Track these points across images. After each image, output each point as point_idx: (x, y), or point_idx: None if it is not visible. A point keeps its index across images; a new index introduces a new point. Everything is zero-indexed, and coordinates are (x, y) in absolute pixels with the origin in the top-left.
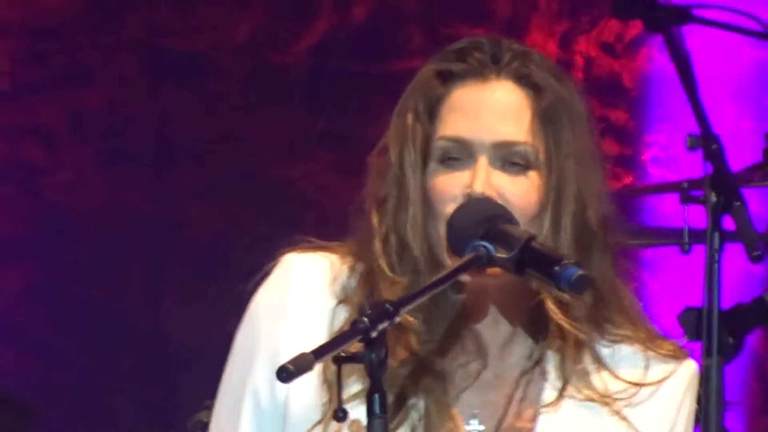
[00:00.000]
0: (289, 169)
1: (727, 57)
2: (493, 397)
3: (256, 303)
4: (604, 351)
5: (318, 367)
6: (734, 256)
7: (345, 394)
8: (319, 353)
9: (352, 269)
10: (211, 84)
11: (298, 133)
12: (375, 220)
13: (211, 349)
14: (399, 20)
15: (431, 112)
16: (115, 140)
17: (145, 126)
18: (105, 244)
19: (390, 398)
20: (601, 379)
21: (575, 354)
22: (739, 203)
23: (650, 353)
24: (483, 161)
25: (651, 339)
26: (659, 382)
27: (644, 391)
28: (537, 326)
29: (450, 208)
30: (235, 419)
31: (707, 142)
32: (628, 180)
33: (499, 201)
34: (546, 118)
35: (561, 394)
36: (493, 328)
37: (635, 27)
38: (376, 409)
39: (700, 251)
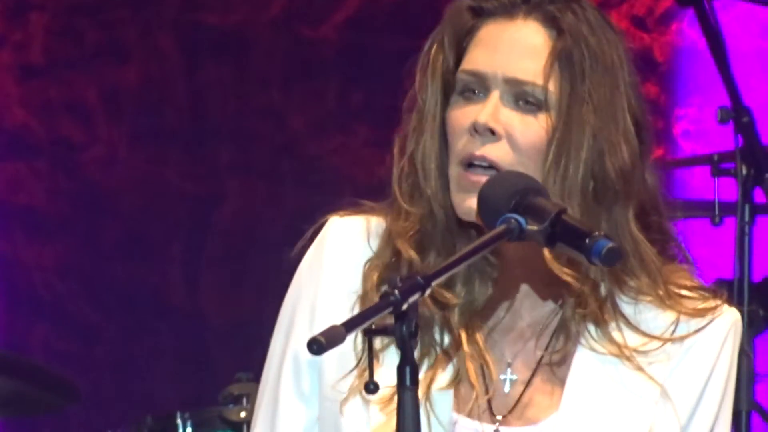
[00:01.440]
0: (324, 143)
1: (758, 30)
2: (525, 349)
3: (301, 263)
4: (627, 308)
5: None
6: (765, 229)
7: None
8: (350, 325)
9: (384, 223)
10: (246, 60)
11: (332, 108)
12: (396, 149)
13: (249, 325)
14: None
15: (458, 45)
16: (151, 117)
17: (180, 102)
18: (141, 221)
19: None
20: (624, 335)
21: (600, 309)
22: None
23: (678, 309)
24: (495, 95)
25: (675, 296)
26: (686, 337)
27: (672, 347)
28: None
29: (461, 142)
30: (277, 376)
31: (738, 115)
32: (659, 153)
33: (504, 136)
34: (564, 61)
35: (590, 348)
36: (526, 282)
37: (666, 1)
38: (407, 381)
39: (730, 224)
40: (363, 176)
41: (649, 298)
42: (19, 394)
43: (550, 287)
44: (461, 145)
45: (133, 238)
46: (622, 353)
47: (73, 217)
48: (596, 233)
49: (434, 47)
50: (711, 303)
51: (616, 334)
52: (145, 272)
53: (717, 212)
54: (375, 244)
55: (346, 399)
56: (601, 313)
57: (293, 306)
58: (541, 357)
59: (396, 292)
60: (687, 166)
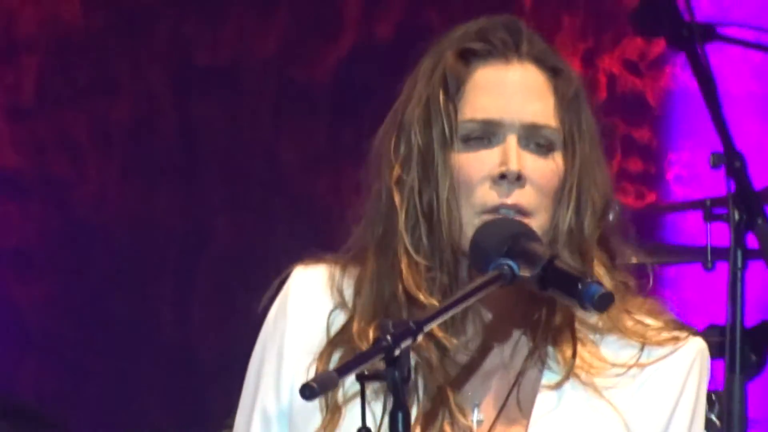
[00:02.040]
0: (314, 182)
1: (751, 75)
2: (493, 387)
3: (267, 319)
4: (591, 337)
5: (312, 373)
6: (757, 274)
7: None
8: (342, 371)
9: (348, 274)
10: (237, 98)
11: (323, 147)
12: (397, 199)
13: (240, 361)
14: (424, 35)
15: (454, 91)
16: (141, 153)
17: (170, 139)
18: (131, 257)
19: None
20: (589, 362)
21: (570, 341)
22: (762, 221)
23: (641, 339)
24: (513, 140)
25: (639, 327)
26: (648, 364)
27: (636, 376)
28: (534, 315)
29: (482, 190)
30: (247, 428)
31: (730, 160)
32: (651, 198)
33: (528, 181)
34: (567, 101)
35: (558, 383)
36: (496, 319)
37: (659, 45)
38: (399, 427)
39: (723, 269)
40: (354, 214)
41: (612, 330)
42: None
43: (516, 323)
44: (482, 192)
45: (123, 275)
46: (586, 380)
47: (63, 254)
48: (588, 279)
49: (435, 95)
50: (676, 333)
51: (579, 362)
52: (136, 309)
53: (709, 257)
54: (337, 292)
55: None
56: (564, 341)
57: (260, 359)
58: (508, 394)
59: (388, 337)
60: (679, 211)
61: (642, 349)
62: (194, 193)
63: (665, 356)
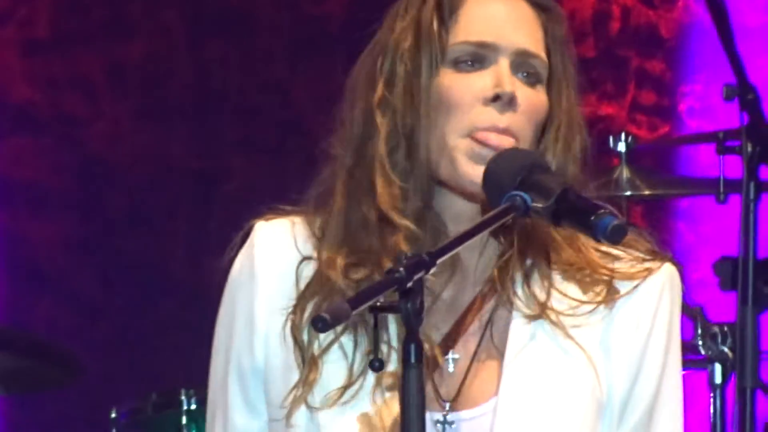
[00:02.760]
0: (329, 120)
1: (764, 7)
2: (467, 325)
3: (230, 275)
4: (556, 275)
5: (288, 330)
6: None
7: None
8: (355, 302)
9: (312, 223)
10: (251, 36)
11: (337, 84)
12: (379, 119)
13: None
14: None
15: (447, 16)
16: (156, 92)
17: (185, 78)
18: (144, 196)
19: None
20: (556, 299)
21: (541, 281)
22: None
23: (615, 273)
24: (505, 64)
25: (614, 260)
26: (617, 298)
27: (607, 309)
28: (506, 254)
29: (473, 113)
30: (224, 388)
31: (744, 93)
32: (664, 130)
33: (518, 105)
34: (555, 40)
35: (528, 321)
36: (468, 258)
37: None
38: (412, 358)
39: (736, 201)
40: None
41: (583, 266)
42: (21, 370)
43: (488, 262)
44: (474, 114)
45: (137, 212)
46: (556, 319)
47: (76, 192)
48: (602, 210)
49: (427, 16)
50: (646, 265)
51: (545, 297)
52: (149, 247)
53: (722, 189)
54: (302, 244)
55: (290, 412)
56: (535, 281)
57: (230, 317)
58: (482, 334)
59: (401, 269)
60: (692, 143)
61: (611, 284)
62: (208, 132)
63: (633, 289)
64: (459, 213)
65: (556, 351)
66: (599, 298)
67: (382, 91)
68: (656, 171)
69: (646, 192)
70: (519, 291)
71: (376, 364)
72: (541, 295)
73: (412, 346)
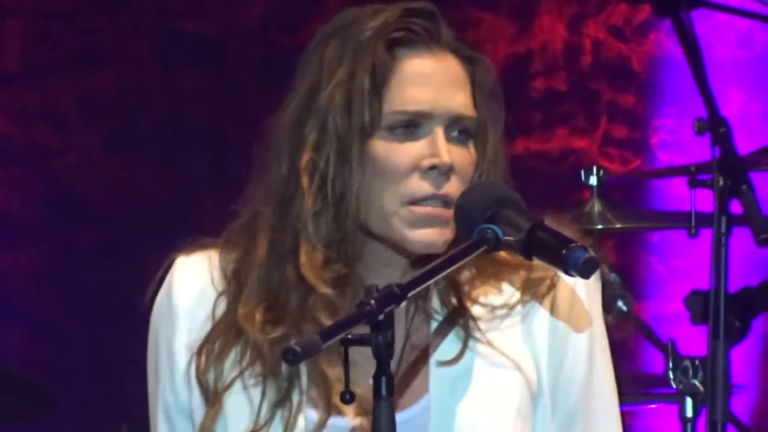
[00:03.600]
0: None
1: (736, 41)
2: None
3: (153, 310)
4: (478, 282)
5: (192, 370)
6: (741, 240)
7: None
8: (326, 335)
9: (228, 258)
10: (223, 67)
11: None
12: (305, 183)
13: None
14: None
15: (381, 81)
16: (127, 123)
17: (157, 109)
18: (116, 228)
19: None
20: (477, 311)
21: (450, 292)
22: (746, 187)
23: (530, 271)
24: (440, 132)
25: (513, 269)
26: (528, 301)
27: (523, 311)
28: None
29: (413, 181)
30: (155, 426)
31: (715, 126)
32: (636, 163)
33: (453, 171)
34: (483, 91)
35: (442, 323)
36: (385, 273)
37: (644, 11)
38: (383, 391)
39: (707, 235)
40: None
41: (497, 271)
42: None
43: (402, 271)
44: (411, 183)
45: (109, 244)
46: (472, 327)
47: (48, 222)
48: (572, 244)
49: (359, 81)
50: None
51: (457, 302)
52: (120, 278)
53: (693, 223)
54: (218, 280)
55: None
56: (445, 287)
57: (155, 355)
58: (405, 339)
59: (372, 302)
60: (664, 177)
61: (527, 280)
62: (179, 163)
63: (551, 282)
64: (388, 261)
65: (478, 351)
66: (515, 299)
67: (310, 153)
68: (628, 204)
69: (618, 225)
70: (434, 299)
71: (347, 396)
72: (455, 301)
73: (383, 379)
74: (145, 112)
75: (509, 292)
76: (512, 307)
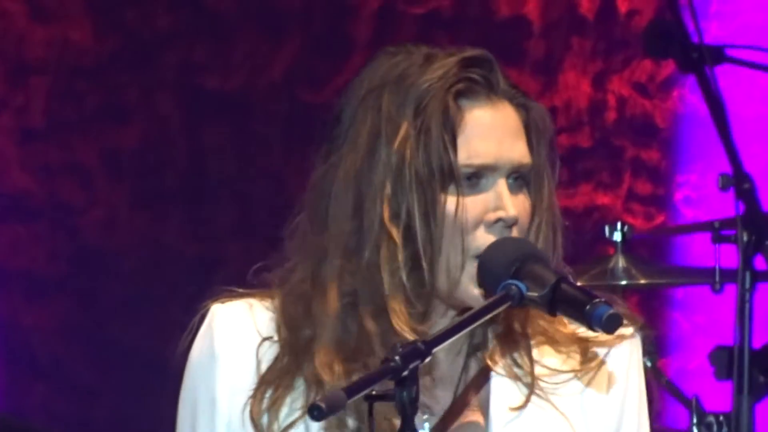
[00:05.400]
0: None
1: (760, 96)
2: (444, 391)
3: (189, 358)
4: (542, 345)
5: (246, 413)
6: (766, 296)
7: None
8: (351, 391)
9: (271, 307)
10: (247, 123)
11: None
12: (394, 231)
13: None
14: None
15: (452, 132)
16: (151, 179)
17: (181, 165)
18: (141, 283)
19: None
20: (532, 365)
21: (508, 337)
22: None
23: (588, 342)
24: (503, 184)
25: (571, 335)
26: (592, 367)
27: (582, 379)
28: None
29: (477, 234)
30: None
31: (739, 182)
32: (660, 219)
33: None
34: (538, 137)
35: (504, 375)
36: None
37: (668, 67)
38: None
39: (731, 290)
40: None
41: (555, 336)
42: None
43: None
44: (477, 237)
45: (133, 300)
46: (534, 382)
47: (72, 279)
48: (596, 300)
49: (436, 135)
50: (618, 331)
51: (523, 362)
52: (145, 334)
53: (717, 279)
54: (262, 325)
55: None
56: (509, 344)
57: (192, 400)
58: (455, 393)
59: (397, 358)
60: (688, 233)
61: (585, 351)
62: (204, 219)
63: (606, 355)
64: (444, 315)
65: (538, 414)
66: (576, 366)
67: (389, 205)
68: (652, 260)
69: (642, 281)
70: (497, 357)
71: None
72: (520, 360)
73: None
74: (170, 168)
75: (568, 360)
76: (571, 373)
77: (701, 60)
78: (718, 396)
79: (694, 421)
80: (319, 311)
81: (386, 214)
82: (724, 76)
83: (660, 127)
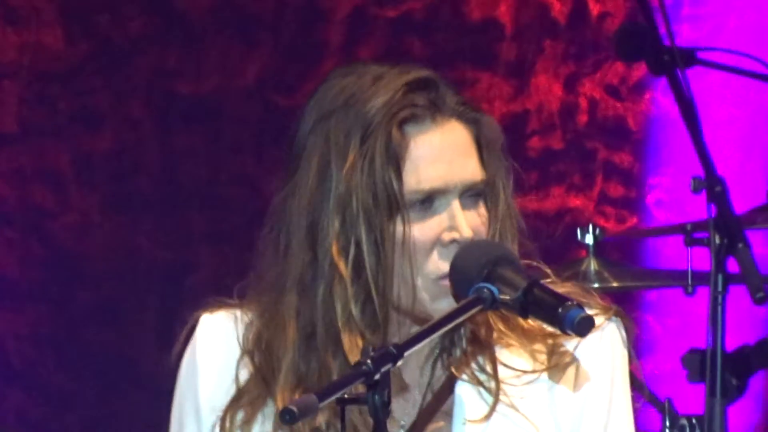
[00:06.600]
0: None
1: (731, 99)
2: (413, 402)
3: (179, 369)
4: (503, 345)
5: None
6: (738, 298)
7: None
8: (322, 395)
9: (251, 322)
10: (219, 127)
11: None
12: (342, 266)
13: None
14: (406, 62)
15: (396, 162)
16: (124, 183)
17: (153, 169)
18: (114, 288)
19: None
20: (496, 368)
21: (479, 352)
22: (743, 245)
23: (555, 338)
24: (456, 204)
25: (537, 334)
26: (560, 363)
27: (549, 377)
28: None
29: (435, 257)
30: None
31: (711, 185)
32: (632, 222)
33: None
34: (489, 148)
35: (468, 382)
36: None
37: (640, 69)
38: None
39: (704, 293)
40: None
41: (520, 335)
42: None
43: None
44: (434, 259)
45: (106, 305)
46: (497, 388)
47: (45, 284)
48: (568, 303)
49: (378, 162)
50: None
51: (488, 368)
52: (118, 339)
53: (690, 282)
54: (242, 340)
55: None
56: (473, 346)
57: (180, 413)
58: (422, 401)
59: (369, 361)
60: (660, 236)
61: (553, 348)
62: (176, 224)
63: (575, 349)
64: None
65: (503, 423)
66: (543, 364)
67: (338, 238)
68: (624, 263)
69: (614, 284)
70: (462, 363)
71: None
72: (485, 366)
73: None
74: (142, 173)
75: (535, 359)
76: (538, 373)
77: (673, 63)
78: (691, 399)
79: (667, 424)
80: (279, 344)
81: (335, 248)
82: (696, 78)
83: (632, 129)
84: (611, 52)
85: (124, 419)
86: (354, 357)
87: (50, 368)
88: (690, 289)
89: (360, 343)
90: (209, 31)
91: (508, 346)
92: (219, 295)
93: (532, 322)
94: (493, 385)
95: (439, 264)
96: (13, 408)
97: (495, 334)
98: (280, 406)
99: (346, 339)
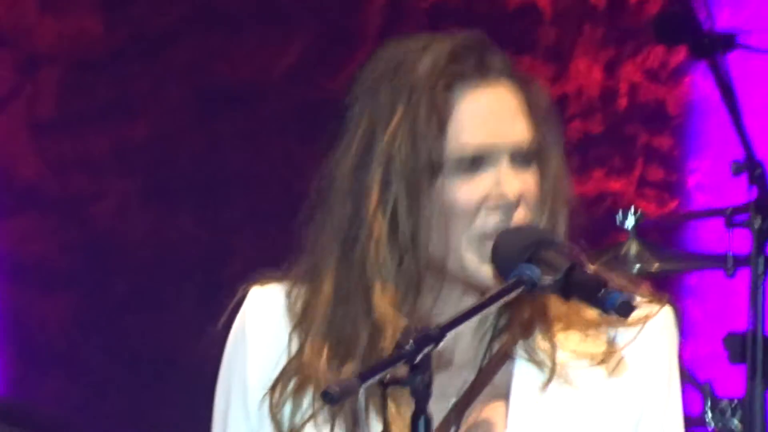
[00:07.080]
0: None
1: None
2: (465, 378)
3: (228, 341)
4: (566, 328)
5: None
6: None
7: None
8: (364, 377)
9: (298, 296)
10: (259, 111)
11: None
12: (377, 226)
13: None
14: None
15: (443, 119)
16: (163, 169)
17: (192, 154)
18: (154, 273)
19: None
20: (565, 357)
21: (536, 332)
22: None
23: (612, 324)
24: (505, 163)
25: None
26: (620, 349)
27: (609, 363)
28: (503, 309)
29: (482, 217)
30: None
31: (751, 168)
32: (672, 205)
33: (521, 200)
34: (540, 114)
35: (526, 361)
36: (458, 310)
37: (680, 53)
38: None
39: (744, 276)
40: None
41: (581, 320)
42: None
43: (484, 318)
44: (481, 219)
45: (145, 289)
46: (553, 366)
47: (84, 269)
48: (609, 286)
49: (422, 120)
50: (643, 311)
51: (545, 347)
52: (157, 323)
53: (731, 264)
54: (294, 313)
55: None
56: (531, 326)
57: (227, 386)
58: (477, 376)
59: (411, 343)
60: (701, 219)
61: (612, 337)
62: (216, 209)
63: (633, 338)
64: (459, 299)
65: (560, 397)
66: (601, 352)
67: (379, 195)
68: (664, 246)
69: (655, 267)
70: (520, 341)
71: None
72: (543, 345)
73: (422, 420)
74: (181, 158)
75: (594, 345)
76: (598, 359)
77: (713, 46)
78: (731, 382)
79: (708, 406)
80: (315, 300)
81: (373, 204)
82: (736, 62)
83: (672, 113)
84: (651, 36)
85: (162, 404)
86: (384, 310)
87: (91, 353)
88: (731, 271)
89: (393, 296)
90: (247, 17)
91: (566, 329)
92: (259, 277)
93: (588, 313)
94: (550, 364)
95: (484, 225)
96: (51, 393)
97: (554, 318)
98: (308, 358)
99: (376, 291)
